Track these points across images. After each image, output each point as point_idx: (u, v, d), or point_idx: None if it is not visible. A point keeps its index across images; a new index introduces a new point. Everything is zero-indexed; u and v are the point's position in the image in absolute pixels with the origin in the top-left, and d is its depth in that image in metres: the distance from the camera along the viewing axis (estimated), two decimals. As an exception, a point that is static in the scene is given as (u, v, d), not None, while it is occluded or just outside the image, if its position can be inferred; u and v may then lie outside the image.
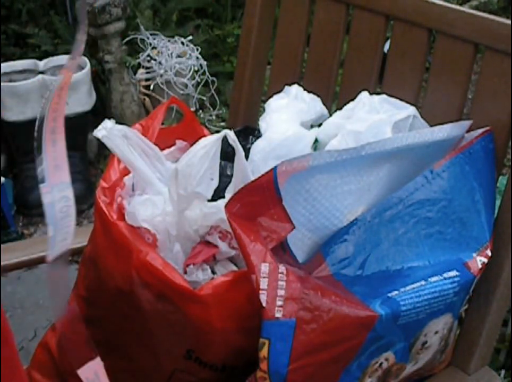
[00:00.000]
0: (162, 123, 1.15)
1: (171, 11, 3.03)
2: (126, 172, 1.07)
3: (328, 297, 0.89)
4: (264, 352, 0.88)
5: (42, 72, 2.54)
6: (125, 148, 1.01)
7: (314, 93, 1.25)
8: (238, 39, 2.17)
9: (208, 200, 1.00)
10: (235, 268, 1.01)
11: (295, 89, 1.24)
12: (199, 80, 2.82)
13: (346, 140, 1.08)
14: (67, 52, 2.71)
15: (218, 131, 1.00)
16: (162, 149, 1.10)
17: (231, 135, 0.97)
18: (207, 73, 2.82)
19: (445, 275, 0.98)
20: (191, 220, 1.00)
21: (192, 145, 1.02)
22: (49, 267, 0.67)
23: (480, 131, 1.06)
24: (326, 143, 1.12)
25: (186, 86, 2.78)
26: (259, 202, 0.90)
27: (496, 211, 1.07)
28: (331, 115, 1.20)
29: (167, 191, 1.01)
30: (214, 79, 2.84)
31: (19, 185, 2.56)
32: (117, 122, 1.02)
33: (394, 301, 0.93)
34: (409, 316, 0.94)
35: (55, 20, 2.88)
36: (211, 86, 2.85)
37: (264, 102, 1.29)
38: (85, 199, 2.52)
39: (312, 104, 1.22)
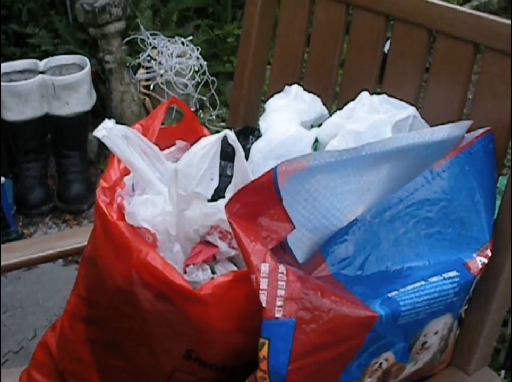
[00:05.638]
0: (162, 123, 1.14)
1: (171, 11, 3.03)
2: (126, 172, 1.07)
3: (328, 297, 0.89)
4: (264, 352, 0.87)
5: (42, 72, 2.54)
6: (125, 148, 1.01)
7: (314, 93, 1.25)
8: (238, 39, 2.16)
9: (209, 200, 1.00)
10: (235, 268, 1.01)
11: (295, 89, 1.24)
12: (199, 80, 2.82)
13: (346, 140, 1.08)
14: (67, 52, 2.71)
15: (218, 131, 1.00)
16: (162, 149, 1.10)
17: (231, 135, 0.97)
18: (207, 73, 2.82)
19: (445, 275, 0.98)
20: (191, 220, 1.00)
21: (192, 145, 1.02)
22: None
23: (480, 131, 1.06)
24: (326, 143, 1.12)
25: (186, 86, 2.78)
26: (259, 202, 0.90)
27: (496, 211, 1.07)
28: (331, 115, 1.20)
29: (167, 191, 1.01)
30: (214, 79, 2.84)
31: (19, 185, 2.56)
32: (117, 122, 1.02)
33: (394, 301, 0.93)
34: (409, 316, 0.94)
35: (55, 20, 2.88)
36: (211, 86, 2.85)
37: (264, 102, 1.29)
38: (85, 199, 2.52)
39: (312, 104, 1.22)
